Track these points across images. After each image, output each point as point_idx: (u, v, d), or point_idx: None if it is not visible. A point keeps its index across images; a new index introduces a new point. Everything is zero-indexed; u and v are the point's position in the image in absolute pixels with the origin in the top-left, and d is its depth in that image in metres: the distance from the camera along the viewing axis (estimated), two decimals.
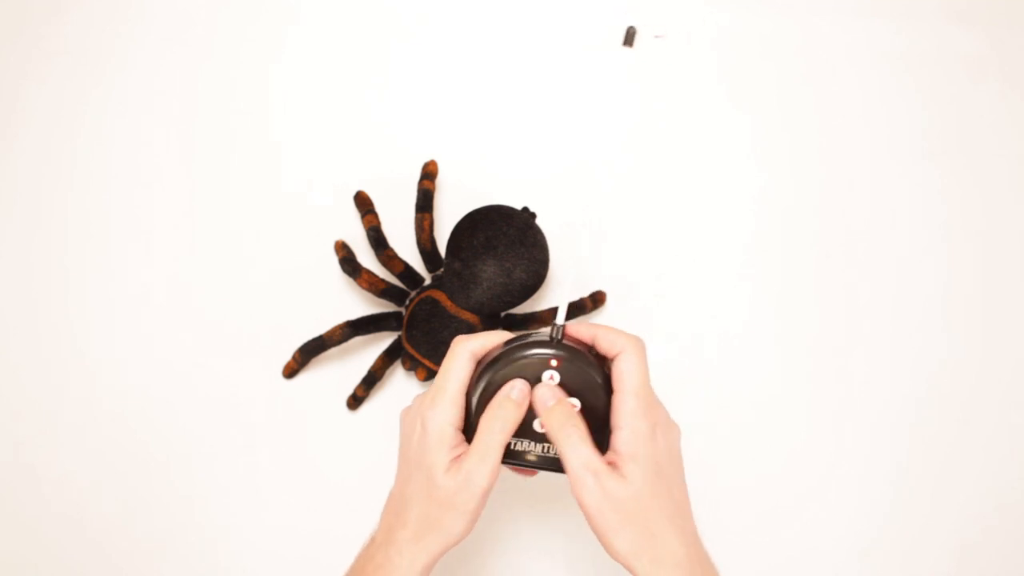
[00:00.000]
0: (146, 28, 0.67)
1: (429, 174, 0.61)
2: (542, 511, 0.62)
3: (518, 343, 0.45)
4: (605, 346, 0.45)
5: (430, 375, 0.59)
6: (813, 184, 0.66)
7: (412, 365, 0.59)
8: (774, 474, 0.63)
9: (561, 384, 0.45)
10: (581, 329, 0.46)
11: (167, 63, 0.66)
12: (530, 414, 0.45)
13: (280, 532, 0.62)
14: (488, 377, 0.45)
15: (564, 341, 0.45)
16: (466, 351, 0.45)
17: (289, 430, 0.63)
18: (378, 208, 0.62)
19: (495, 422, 0.43)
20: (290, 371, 0.62)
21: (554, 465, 0.45)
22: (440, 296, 0.58)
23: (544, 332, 0.46)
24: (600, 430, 0.44)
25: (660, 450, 0.43)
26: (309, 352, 0.60)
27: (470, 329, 0.58)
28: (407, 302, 0.61)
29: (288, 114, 0.66)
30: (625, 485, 0.41)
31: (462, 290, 0.57)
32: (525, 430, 0.45)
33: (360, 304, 0.63)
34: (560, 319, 0.45)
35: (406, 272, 0.61)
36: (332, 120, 0.66)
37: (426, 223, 0.60)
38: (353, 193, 0.63)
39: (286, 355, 0.61)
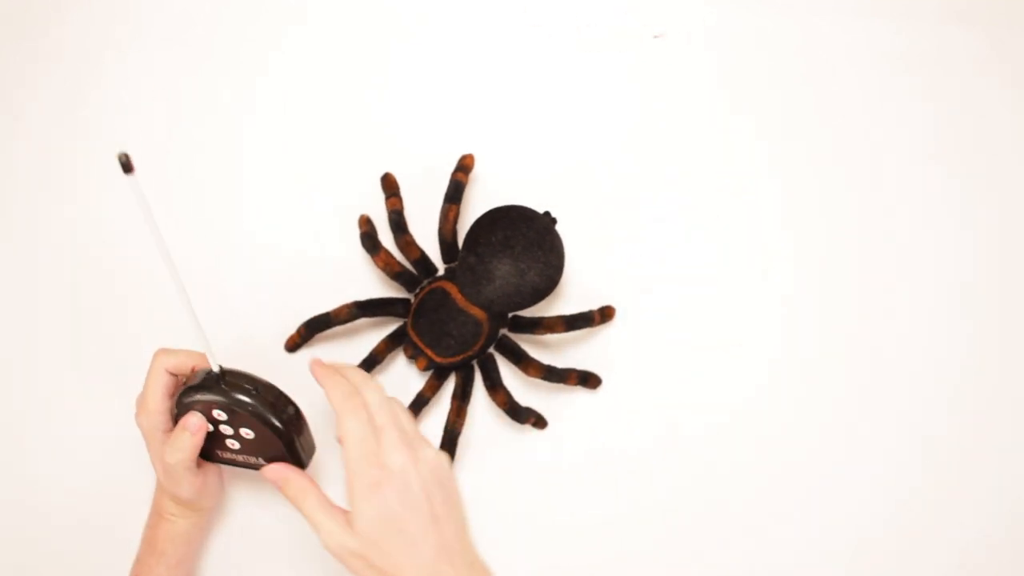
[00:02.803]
0: (146, 28, 0.67)
1: (464, 167, 0.61)
2: None
3: (189, 386, 0.50)
4: (328, 398, 0.48)
5: (430, 365, 0.59)
6: (813, 184, 0.66)
7: (413, 353, 0.59)
8: (784, 477, 0.63)
9: (230, 420, 0.50)
10: (319, 371, 0.50)
11: (167, 63, 0.67)
12: (222, 438, 0.51)
13: (268, 520, 0.62)
14: (180, 404, 0.50)
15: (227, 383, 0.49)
16: (160, 366, 0.51)
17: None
18: (377, 205, 0.62)
19: (172, 454, 0.50)
20: (292, 344, 0.62)
21: (255, 467, 0.52)
22: (451, 288, 0.58)
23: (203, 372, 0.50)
24: (278, 449, 0.50)
25: (389, 501, 0.45)
26: (314, 328, 0.60)
27: (476, 324, 0.58)
28: (417, 290, 0.61)
29: (288, 114, 0.66)
30: (357, 538, 0.45)
31: (474, 285, 0.57)
32: (221, 446, 0.52)
33: (368, 288, 0.63)
34: (214, 366, 0.49)
35: (421, 260, 0.61)
36: (332, 120, 0.66)
37: (451, 214, 0.60)
38: (353, 193, 0.63)
39: (290, 329, 0.62)
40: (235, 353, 0.63)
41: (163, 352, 0.51)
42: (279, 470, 0.50)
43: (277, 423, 0.49)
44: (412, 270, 0.61)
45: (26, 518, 0.63)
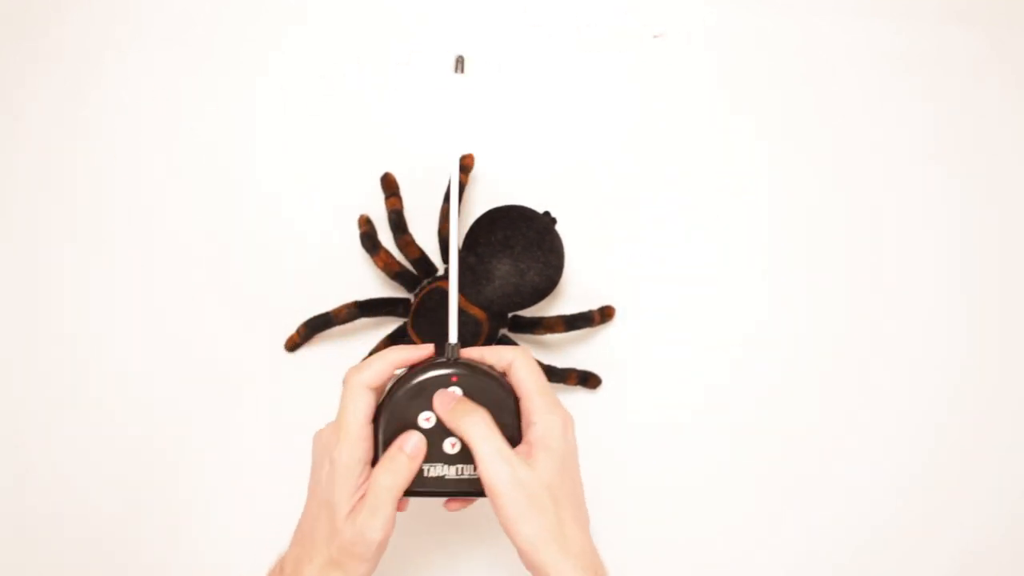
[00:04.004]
0: (146, 28, 0.67)
1: (465, 167, 0.61)
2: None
3: (414, 368, 0.45)
4: (494, 360, 0.46)
5: None
6: (813, 185, 0.66)
7: None
8: (785, 476, 0.63)
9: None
10: (468, 352, 0.47)
11: (167, 63, 0.67)
12: (440, 435, 0.45)
13: (269, 517, 0.62)
14: (389, 409, 0.45)
15: (459, 359, 0.45)
16: (359, 384, 0.44)
17: (287, 406, 0.63)
18: (377, 205, 0.62)
19: (386, 476, 0.43)
20: (292, 344, 0.62)
21: (471, 487, 0.45)
22: None
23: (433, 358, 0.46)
24: (510, 436, 0.44)
25: (569, 444, 0.44)
26: (314, 327, 0.61)
27: (476, 324, 0.58)
28: (417, 290, 0.61)
29: (288, 114, 0.66)
30: (536, 473, 0.42)
31: (474, 285, 0.57)
32: (436, 453, 0.45)
33: (367, 288, 0.63)
34: (452, 337, 0.46)
35: (421, 260, 0.61)
36: (332, 120, 0.66)
37: None
38: (353, 193, 0.63)
39: (290, 330, 0.62)
40: (235, 353, 0.64)
41: (355, 369, 0.45)
42: (446, 394, 0.44)
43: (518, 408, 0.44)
44: (412, 270, 0.61)
45: (26, 515, 0.63)
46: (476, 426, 0.43)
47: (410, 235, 0.61)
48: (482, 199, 0.64)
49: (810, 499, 0.63)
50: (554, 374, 0.60)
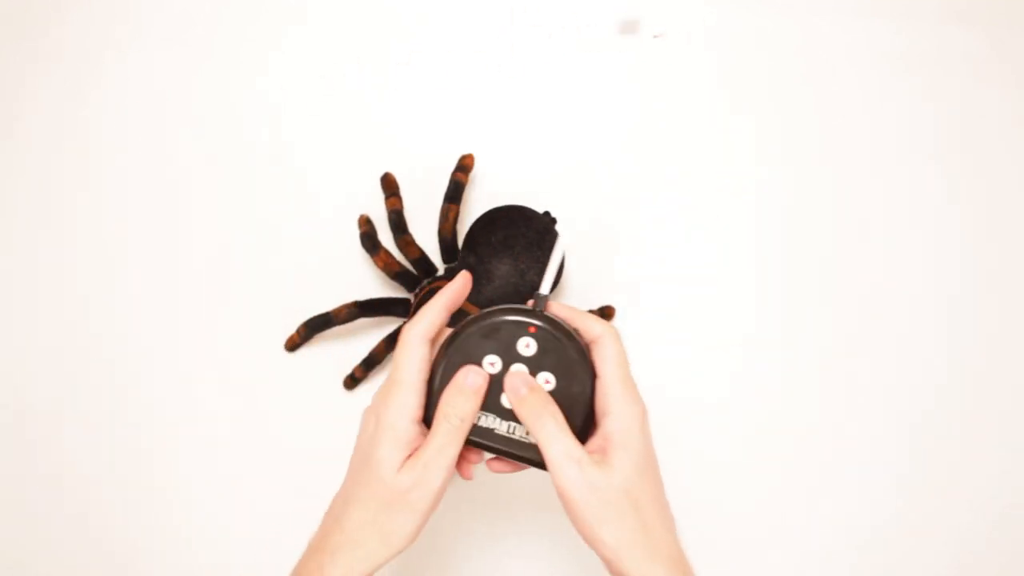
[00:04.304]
0: (146, 28, 0.67)
1: (464, 167, 0.61)
2: (526, 512, 0.62)
3: (495, 309, 0.43)
4: (581, 326, 0.43)
5: None
6: (813, 185, 0.66)
7: None
8: (785, 476, 0.63)
9: (536, 356, 0.42)
10: (557, 307, 0.44)
11: (167, 63, 0.67)
12: (500, 386, 0.43)
13: (268, 516, 0.62)
14: (449, 355, 0.42)
15: (544, 312, 0.43)
16: (415, 336, 0.42)
17: (286, 406, 0.63)
18: (377, 205, 0.62)
19: (451, 409, 0.41)
20: (292, 344, 0.62)
21: (520, 450, 0.43)
22: None
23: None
24: (577, 411, 0.42)
25: (649, 439, 0.41)
26: (314, 327, 0.61)
27: None
28: (417, 290, 0.61)
29: (288, 114, 0.66)
30: (612, 474, 0.39)
31: (474, 285, 0.57)
32: (491, 403, 0.43)
33: (367, 288, 0.63)
34: (545, 288, 0.43)
35: (421, 260, 0.61)
36: (332, 120, 0.66)
37: (451, 214, 0.60)
38: (353, 194, 0.63)
39: (290, 330, 0.62)
40: (235, 353, 0.64)
41: (410, 323, 0.42)
42: (520, 377, 0.42)
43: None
44: (412, 270, 0.61)
45: (26, 513, 0.63)
46: (546, 427, 0.40)
47: (410, 235, 0.61)
48: (482, 199, 0.64)
49: (813, 499, 0.63)
50: None
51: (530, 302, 0.44)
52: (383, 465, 0.40)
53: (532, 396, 0.41)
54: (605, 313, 0.62)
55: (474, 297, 0.57)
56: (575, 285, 0.64)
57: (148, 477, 0.63)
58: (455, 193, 0.60)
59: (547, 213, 0.59)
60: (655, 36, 0.67)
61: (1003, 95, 0.67)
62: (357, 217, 0.62)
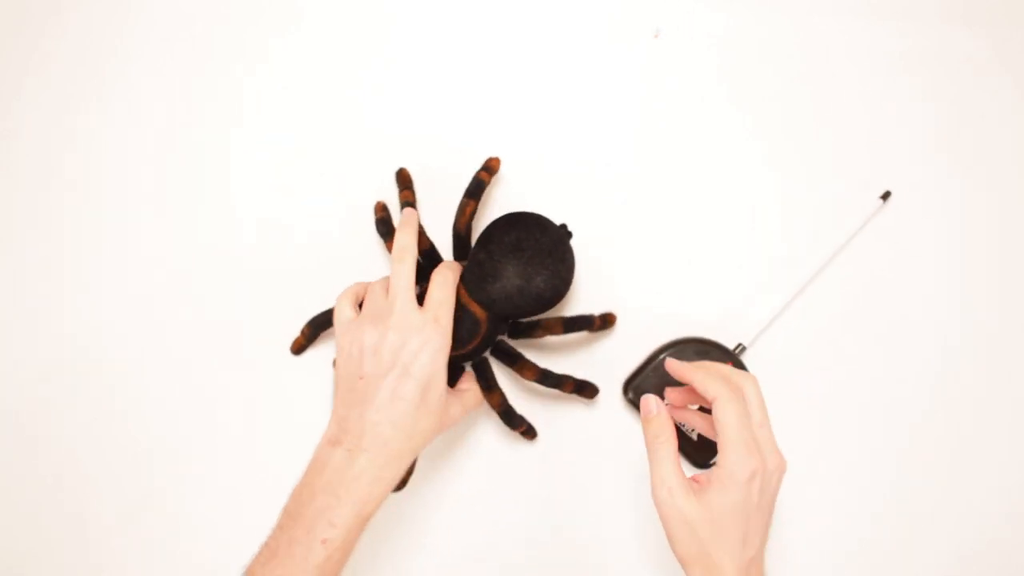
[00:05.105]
0: (146, 28, 0.67)
1: (490, 168, 0.62)
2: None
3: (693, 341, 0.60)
4: (700, 391, 0.48)
5: None
6: (813, 184, 0.66)
7: None
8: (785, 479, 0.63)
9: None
10: (678, 368, 0.50)
11: (167, 63, 0.67)
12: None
13: (272, 517, 0.62)
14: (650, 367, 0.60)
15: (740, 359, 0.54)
16: (408, 253, 0.54)
17: (287, 407, 0.63)
18: (369, 207, 0.62)
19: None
20: (298, 347, 0.63)
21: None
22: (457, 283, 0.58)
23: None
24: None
25: (752, 495, 0.46)
26: (318, 326, 0.61)
27: (474, 322, 0.58)
28: (424, 282, 0.61)
29: (292, 114, 0.66)
30: (698, 508, 0.45)
31: (479, 281, 0.57)
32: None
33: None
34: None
35: (430, 251, 0.61)
36: (332, 121, 0.66)
37: (468, 209, 0.60)
38: (354, 194, 0.64)
39: (294, 330, 0.62)
40: (238, 353, 0.64)
41: (450, 280, 0.56)
42: (655, 401, 0.49)
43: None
44: (420, 260, 0.61)
45: (27, 513, 0.63)
46: (656, 452, 0.47)
47: (421, 226, 0.61)
48: (484, 200, 0.64)
49: (811, 497, 0.63)
50: (549, 378, 0.59)
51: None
52: (439, 384, 0.52)
53: (656, 421, 0.48)
54: (606, 320, 0.61)
55: (476, 292, 0.57)
56: (579, 292, 0.64)
57: (152, 480, 0.63)
58: (476, 190, 0.61)
59: (563, 225, 0.59)
60: (655, 36, 0.67)
61: (1003, 95, 0.67)
62: (373, 204, 0.63)
